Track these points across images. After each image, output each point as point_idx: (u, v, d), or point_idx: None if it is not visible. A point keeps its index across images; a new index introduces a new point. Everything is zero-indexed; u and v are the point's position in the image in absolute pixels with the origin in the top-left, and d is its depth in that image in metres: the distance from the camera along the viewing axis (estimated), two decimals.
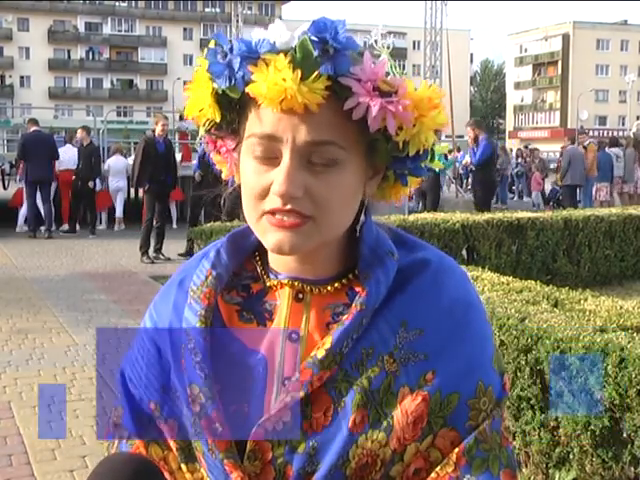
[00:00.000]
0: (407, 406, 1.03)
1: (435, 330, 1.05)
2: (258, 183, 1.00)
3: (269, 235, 1.01)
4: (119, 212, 15.46)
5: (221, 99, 1.01)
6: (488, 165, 12.30)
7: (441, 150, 1.10)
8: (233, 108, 1.02)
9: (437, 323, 1.06)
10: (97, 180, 15.20)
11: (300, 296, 1.10)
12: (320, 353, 1.03)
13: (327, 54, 0.95)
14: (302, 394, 1.02)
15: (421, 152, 1.03)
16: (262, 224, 1.02)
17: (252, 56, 0.97)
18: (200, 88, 1.02)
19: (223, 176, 1.15)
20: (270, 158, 0.99)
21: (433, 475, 1.03)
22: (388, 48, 1.04)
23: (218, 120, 1.04)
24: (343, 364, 1.04)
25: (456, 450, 1.03)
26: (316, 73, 0.94)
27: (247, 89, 0.97)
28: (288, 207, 0.98)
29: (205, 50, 1.02)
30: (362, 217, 1.10)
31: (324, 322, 1.08)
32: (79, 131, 14.55)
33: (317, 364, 1.02)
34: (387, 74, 0.99)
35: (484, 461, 1.03)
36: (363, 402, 1.03)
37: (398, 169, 1.07)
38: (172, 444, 1.14)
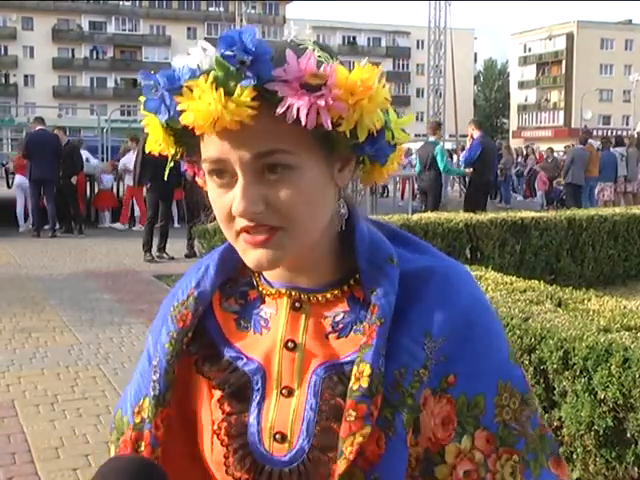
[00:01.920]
0: (432, 407, 1.03)
1: (454, 336, 1.04)
2: (222, 205, 1.00)
3: (247, 254, 1.00)
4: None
5: (172, 129, 1.01)
6: (480, 165, 12.31)
7: (403, 123, 1.04)
8: (188, 135, 1.00)
9: (455, 327, 1.04)
10: (109, 178, 15.36)
11: (297, 305, 1.08)
12: (364, 382, 1.00)
13: (244, 65, 0.92)
14: (370, 429, 0.99)
15: (375, 134, 0.98)
16: (239, 244, 1.01)
17: (175, 87, 0.95)
18: (151, 123, 1.02)
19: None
20: (227, 179, 0.99)
21: None
22: (310, 40, 0.99)
23: (173, 152, 1.04)
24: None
25: (515, 457, 1.05)
26: (239, 88, 0.92)
27: (180, 119, 0.96)
28: (253, 224, 0.97)
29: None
30: (343, 211, 1.07)
31: (323, 332, 1.07)
32: (55, 131, 14.62)
33: (367, 394, 0.99)
34: (320, 63, 0.94)
35: (536, 461, 1.07)
36: (413, 419, 1.02)
37: (364, 153, 1.02)
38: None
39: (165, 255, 11.28)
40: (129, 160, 15.14)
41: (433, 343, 1.03)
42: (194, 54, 0.96)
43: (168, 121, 0.98)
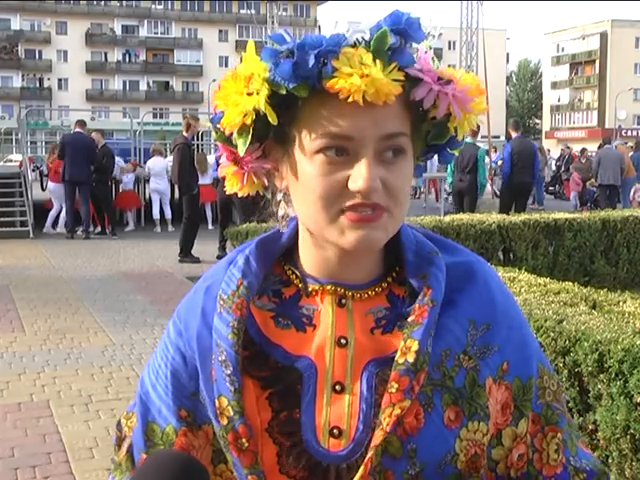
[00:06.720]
0: (495, 394, 1.09)
1: (499, 324, 1.11)
2: (332, 182, 1.00)
3: (347, 233, 1.00)
4: (155, 214, 15.49)
5: (272, 102, 0.99)
6: (512, 166, 12.40)
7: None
8: (283, 111, 1.00)
9: (498, 318, 1.11)
10: (130, 178, 15.48)
11: (342, 302, 1.10)
12: (410, 357, 1.03)
13: (399, 46, 0.98)
14: (409, 403, 1.01)
15: (460, 138, 1.08)
16: (340, 223, 1.01)
17: (335, 50, 0.97)
18: (239, 93, 1.00)
19: (228, 190, 1.12)
20: (342, 156, 1.00)
21: (546, 464, 1.12)
22: (431, 48, 1.05)
23: (275, 122, 1.00)
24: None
25: (559, 436, 1.13)
26: (394, 64, 0.97)
27: (328, 84, 0.96)
28: (372, 201, 0.99)
29: (245, 51, 1.02)
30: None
31: (368, 327, 1.09)
32: (94, 134, 14.69)
33: (411, 369, 1.02)
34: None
35: (572, 440, 1.15)
36: (452, 400, 1.05)
37: (428, 158, 1.13)
38: (208, 447, 1.13)
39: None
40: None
41: (475, 331, 1.09)
42: (342, 29, 1.00)
43: (295, 88, 0.98)
